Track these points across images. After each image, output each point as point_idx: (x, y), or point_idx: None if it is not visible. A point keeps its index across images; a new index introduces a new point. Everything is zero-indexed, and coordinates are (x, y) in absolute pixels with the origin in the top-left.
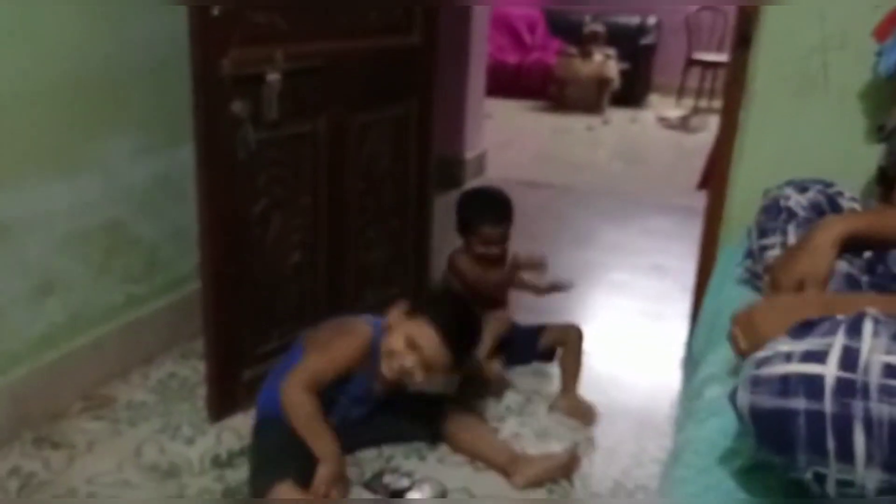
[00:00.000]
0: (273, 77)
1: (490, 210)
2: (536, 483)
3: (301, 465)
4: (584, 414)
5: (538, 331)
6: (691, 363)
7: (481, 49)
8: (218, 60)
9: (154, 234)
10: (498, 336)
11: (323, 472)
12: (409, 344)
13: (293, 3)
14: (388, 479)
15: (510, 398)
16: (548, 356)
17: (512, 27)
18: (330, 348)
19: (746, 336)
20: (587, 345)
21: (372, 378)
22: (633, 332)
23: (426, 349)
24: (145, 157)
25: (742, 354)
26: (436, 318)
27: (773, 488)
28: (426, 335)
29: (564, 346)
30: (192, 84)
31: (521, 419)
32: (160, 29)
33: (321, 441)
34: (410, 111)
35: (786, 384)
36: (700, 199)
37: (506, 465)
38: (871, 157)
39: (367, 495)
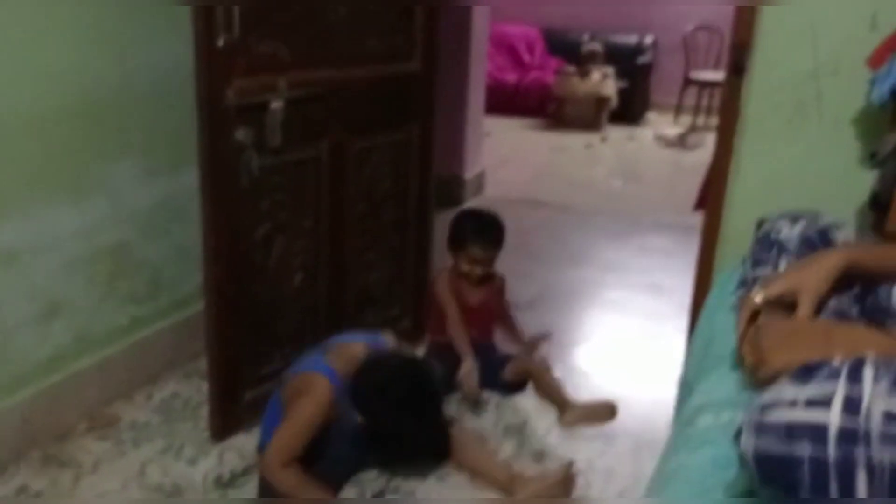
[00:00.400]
0: (276, 105)
1: (483, 232)
2: (537, 499)
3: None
4: (599, 413)
5: (504, 360)
6: (685, 386)
7: (481, 70)
8: (222, 90)
9: (158, 255)
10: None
11: None
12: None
13: (296, 30)
14: (389, 499)
15: (509, 418)
16: (516, 387)
17: (511, 46)
18: (292, 416)
19: (752, 355)
20: (585, 364)
21: (355, 418)
22: (631, 351)
23: None
24: (150, 180)
25: (751, 373)
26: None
27: None
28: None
29: (532, 378)
30: (196, 113)
31: (520, 438)
32: (165, 55)
33: (314, 495)
34: (411, 135)
35: (791, 431)
36: (697, 218)
37: (505, 485)
38: (865, 182)
39: None
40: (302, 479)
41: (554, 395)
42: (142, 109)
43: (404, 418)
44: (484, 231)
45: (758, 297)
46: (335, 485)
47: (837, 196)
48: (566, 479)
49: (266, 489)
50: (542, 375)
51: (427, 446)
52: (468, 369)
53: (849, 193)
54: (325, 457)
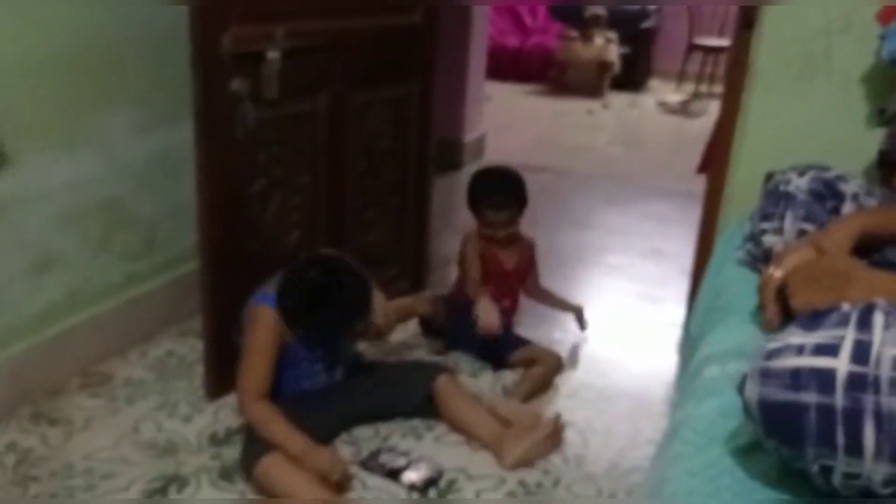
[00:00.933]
0: (273, 55)
1: (494, 194)
2: (525, 462)
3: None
4: (523, 421)
5: (517, 343)
6: (689, 345)
7: (482, 31)
8: (218, 37)
9: (153, 211)
10: (412, 313)
11: (317, 465)
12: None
13: None
14: (384, 458)
15: (506, 378)
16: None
17: (513, 10)
18: (245, 351)
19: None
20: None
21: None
22: (631, 314)
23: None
24: (145, 133)
25: (770, 324)
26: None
27: (771, 468)
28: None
29: (541, 363)
30: (191, 61)
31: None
32: (160, 3)
33: (290, 441)
34: (411, 91)
35: (797, 378)
36: (699, 184)
37: (492, 443)
38: (873, 140)
39: (363, 474)
40: (275, 416)
41: (533, 381)
42: (136, 59)
43: (312, 312)
44: (494, 192)
45: (778, 273)
46: (325, 438)
47: (845, 154)
48: (554, 433)
49: (249, 450)
50: (550, 368)
51: (352, 318)
52: (486, 305)
53: (856, 151)
54: (302, 408)
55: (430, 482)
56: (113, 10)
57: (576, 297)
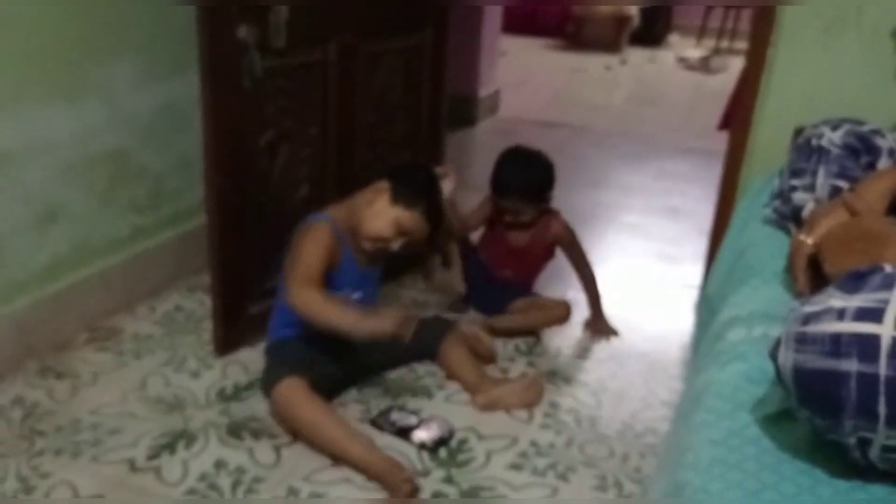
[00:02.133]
0: (281, 2)
1: (508, 183)
2: (495, 406)
3: (309, 367)
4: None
5: (517, 295)
6: (706, 305)
7: None
8: None
9: (160, 164)
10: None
11: (384, 327)
12: (398, 231)
13: None
14: (395, 416)
15: (518, 339)
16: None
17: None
18: (300, 252)
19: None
20: (601, 286)
21: (354, 257)
22: (647, 274)
23: (414, 233)
24: (150, 83)
25: (801, 294)
26: (419, 201)
27: (802, 439)
28: (414, 222)
29: (541, 310)
30: (196, 7)
31: (529, 359)
32: None
33: (348, 316)
34: (424, 41)
35: (837, 344)
36: (718, 142)
37: (473, 385)
38: None
39: (373, 432)
40: (329, 298)
41: (534, 317)
42: (142, 7)
43: (420, 175)
44: (511, 181)
45: (809, 239)
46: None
47: (873, 109)
48: (531, 386)
49: (271, 372)
50: (547, 316)
51: (433, 207)
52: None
53: (886, 107)
54: (315, 354)
55: (441, 442)
56: None
57: (591, 256)
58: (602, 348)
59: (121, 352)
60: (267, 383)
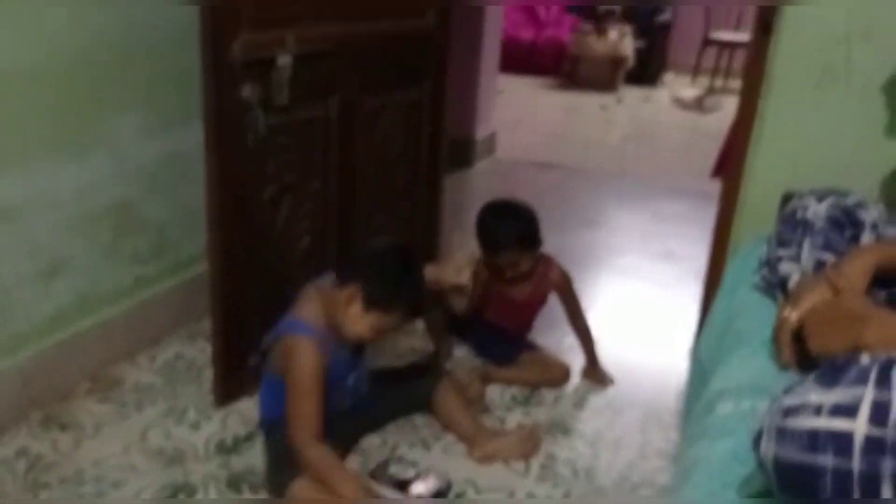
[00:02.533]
0: (284, 60)
1: (499, 238)
2: (493, 459)
3: None
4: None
5: (524, 347)
6: (699, 369)
7: (496, 29)
8: (228, 44)
9: (162, 214)
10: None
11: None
12: (379, 333)
13: None
14: (393, 469)
15: (515, 388)
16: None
17: (527, 2)
18: (296, 387)
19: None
20: (595, 331)
21: (343, 346)
22: (642, 319)
23: (396, 327)
24: (154, 135)
25: (786, 361)
26: (394, 304)
27: None
28: (393, 321)
29: (542, 368)
30: (201, 67)
31: (526, 409)
32: (169, 5)
33: (344, 483)
34: (424, 94)
35: (814, 440)
36: (715, 183)
37: (469, 437)
38: (893, 152)
39: (371, 484)
40: (335, 458)
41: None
42: (146, 62)
43: (393, 273)
44: (496, 234)
45: (794, 315)
46: (345, 443)
47: (864, 165)
48: (527, 439)
49: (278, 475)
50: (545, 375)
51: (412, 301)
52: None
53: (876, 163)
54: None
55: (439, 494)
56: (122, 11)
57: (586, 300)
58: (598, 397)
59: (122, 402)
60: (275, 484)
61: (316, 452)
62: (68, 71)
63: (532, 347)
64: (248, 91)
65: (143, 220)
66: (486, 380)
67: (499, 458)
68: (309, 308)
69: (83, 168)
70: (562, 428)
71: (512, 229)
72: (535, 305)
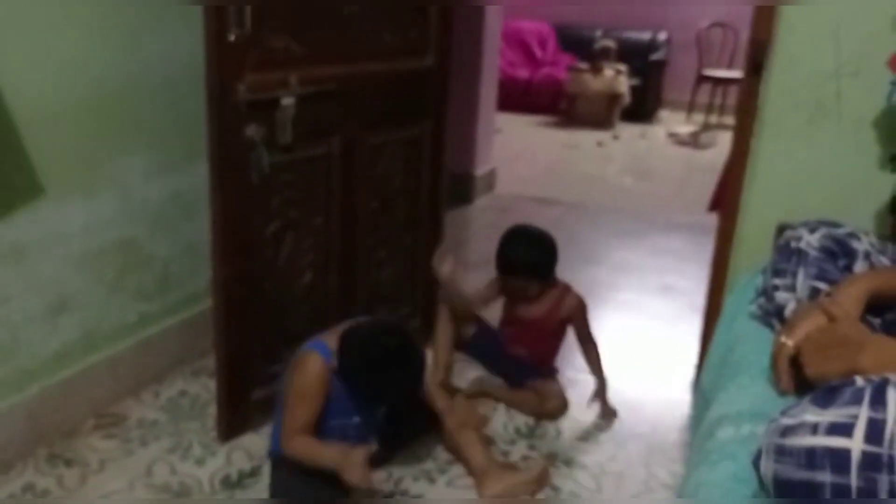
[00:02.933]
0: (287, 101)
1: (516, 262)
2: (504, 497)
3: (320, 488)
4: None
5: (537, 375)
6: (701, 397)
7: (493, 65)
8: (233, 85)
9: (167, 251)
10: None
11: (350, 471)
12: None
13: (308, 25)
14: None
15: (519, 420)
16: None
17: (523, 42)
18: (289, 395)
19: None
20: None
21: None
22: (642, 353)
23: None
24: (159, 174)
25: (784, 387)
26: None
27: None
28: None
29: (540, 396)
30: (206, 108)
31: (530, 441)
32: (176, 48)
33: (326, 453)
34: (424, 131)
35: (812, 457)
36: (711, 218)
37: (478, 473)
38: (885, 186)
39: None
40: (312, 440)
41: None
42: (152, 103)
43: (379, 376)
44: (514, 258)
45: (790, 342)
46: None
47: (856, 199)
48: (538, 478)
49: (278, 487)
50: (541, 406)
51: (404, 403)
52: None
53: (868, 197)
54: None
55: None
56: (130, 54)
57: None
58: (602, 429)
59: (127, 438)
60: None
61: (297, 442)
62: (77, 112)
63: (545, 376)
64: (252, 130)
65: (149, 257)
66: (483, 393)
67: (508, 495)
68: (332, 338)
69: (91, 207)
70: (565, 459)
71: (529, 257)
72: (546, 328)
